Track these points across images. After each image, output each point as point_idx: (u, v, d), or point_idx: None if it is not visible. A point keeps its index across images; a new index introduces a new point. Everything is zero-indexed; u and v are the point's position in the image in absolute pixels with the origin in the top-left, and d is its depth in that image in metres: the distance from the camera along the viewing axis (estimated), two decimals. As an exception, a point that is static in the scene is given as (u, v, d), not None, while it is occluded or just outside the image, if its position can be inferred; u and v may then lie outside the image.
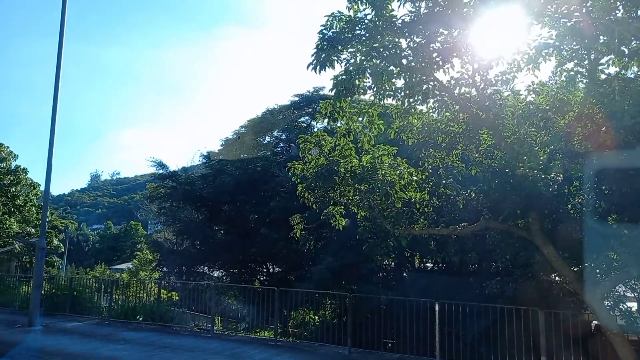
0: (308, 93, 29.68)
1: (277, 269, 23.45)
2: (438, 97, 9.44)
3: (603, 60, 8.02)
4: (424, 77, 8.92)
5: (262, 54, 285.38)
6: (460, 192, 9.49)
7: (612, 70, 8.24)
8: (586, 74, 8.48)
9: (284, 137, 29.02)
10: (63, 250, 39.13)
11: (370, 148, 9.66)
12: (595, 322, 10.07)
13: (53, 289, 17.37)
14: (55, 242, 34.29)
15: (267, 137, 32.14)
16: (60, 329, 13.67)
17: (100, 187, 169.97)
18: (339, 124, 9.91)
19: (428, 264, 18.38)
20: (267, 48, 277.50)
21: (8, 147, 28.97)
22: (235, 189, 22.66)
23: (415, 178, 9.49)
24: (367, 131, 9.58)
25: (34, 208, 29.14)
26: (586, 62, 8.18)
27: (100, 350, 11.05)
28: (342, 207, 10.66)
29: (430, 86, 9.15)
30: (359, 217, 10.79)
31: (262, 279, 23.90)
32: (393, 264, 17.10)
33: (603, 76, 8.22)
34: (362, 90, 8.71)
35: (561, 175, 8.33)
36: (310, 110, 29.04)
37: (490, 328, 10.22)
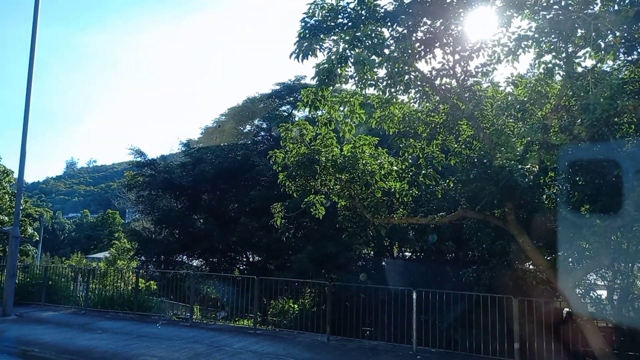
0: (289, 82, 29.45)
1: (257, 257, 23.41)
2: (419, 88, 9.54)
3: (580, 53, 8.19)
4: (406, 67, 8.96)
5: (244, 42, 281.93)
6: (439, 182, 9.61)
7: (589, 63, 8.43)
8: (563, 66, 8.65)
9: (264, 125, 28.81)
10: (38, 238, 38.33)
11: (351, 137, 9.69)
12: (567, 309, 10.36)
13: (27, 278, 17.03)
14: (30, 230, 33.59)
15: (247, 126, 31.82)
16: (35, 319, 13.44)
17: (76, 175, 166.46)
18: (320, 113, 9.91)
19: (407, 253, 18.63)
20: (249, 36, 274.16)
21: (-20, 133, 28.17)
22: (215, 177, 22.49)
23: (395, 168, 9.57)
24: (349, 120, 9.61)
25: (7, 196, 28.43)
26: (564, 54, 8.33)
27: (77, 339, 10.91)
28: (323, 196, 10.70)
29: (412, 76, 9.22)
30: (339, 206, 10.84)
31: (242, 267, 23.85)
32: (372, 253, 17.27)
33: (580, 69, 8.39)
34: (344, 79, 8.73)
35: (537, 166, 8.50)
36: (291, 99, 28.82)
37: (466, 315, 10.45)
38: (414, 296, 10.07)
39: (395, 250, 17.96)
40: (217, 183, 22.65)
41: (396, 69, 8.79)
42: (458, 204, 10.54)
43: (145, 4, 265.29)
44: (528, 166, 8.11)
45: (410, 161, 9.82)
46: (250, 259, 23.75)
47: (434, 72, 9.30)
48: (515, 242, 10.12)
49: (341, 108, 9.80)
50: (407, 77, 9.08)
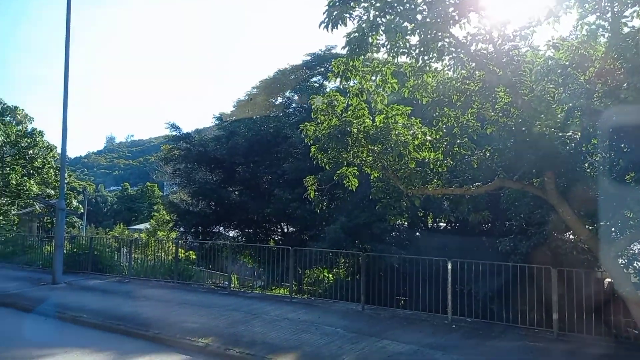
0: (320, 52, 29.03)
1: (292, 228, 23.76)
2: (454, 54, 9.17)
3: (627, 13, 7.70)
4: (439, 34, 8.64)
5: (275, 13, 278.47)
6: (474, 152, 9.37)
7: (637, 23, 7.92)
8: (608, 27, 8.16)
9: (296, 97, 28.70)
10: (82, 211, 40.00)
11: (383, 108, 9.52)
12: (608, 279, 10.10)
13: (74, 249, 17.92)
14: (75, 203, 35.04)
15: (279, 98, 31.78)
16: (82, 287, 14.20)
17: (116, 150, 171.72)
18: (351, 83, 9.75)
19: (441, 224, 18.46)
20: (280, 6, 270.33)
21: (23, 109, 29.22)
22: (249, 150, 22.73)
23: (429, 138, 9.37)
24: (381, 90, 9.41)
25: (52, 170, 29.59)
26: (609, 14, 7.85)
27: (122, 306, 11.48)
28: (356, 167, 10.65)
29: (445, 43, 8.88)
30: (372, 177, 10.78)
31: (276, 238, 24.29)
32: (406, 223, 17.18)
33: (626, 29, 7.89)
34: (375, 48, 8.51)
35: (579, 134, 8.15)
36: (322, 69, 28.49)
37: (503, 286, 10.31)
38: (449, 266, 10.01)
39: (429, 221, 17.82)
40: (250, 155, 22.90)
41: (429, 36, 8.51)
42: (495, 174, 10.27)
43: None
44: (569, 133, 7.78)
45: (444, 131, 9.59)
46: (285, 230, 24.14)
47: (469, 38, 8.94)
48: (555, 211, 9.85)
49: (373, 78, 9.60)
50: (440, 43, 8.76)
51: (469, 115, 9.85)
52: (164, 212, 38.34)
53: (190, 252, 23.88)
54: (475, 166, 9.50)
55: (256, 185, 23.27)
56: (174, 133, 25.29)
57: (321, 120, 9.69)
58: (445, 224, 18.36)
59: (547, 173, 8.21)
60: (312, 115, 9.96)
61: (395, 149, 9.13)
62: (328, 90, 28.24)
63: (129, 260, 16.13)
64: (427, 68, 9.56)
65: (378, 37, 8.35)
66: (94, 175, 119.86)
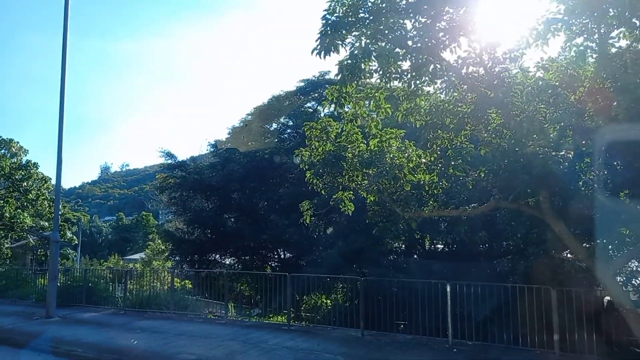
0: (314, 78, 29.42)
1: (288, 254, 23.59)
2: (445, 78, 9.33)
3: (613, 34, 7.85)
4: (431, 58, 8.81)
5: (267, 41, 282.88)
6: (469, 173, 9.42)
7: (623, 43, 8.08)
8: (596, 48, 8.31)
9: (290, 123, 28.90)
10: (77, 242, 39.62)
11: (377, 132, 9.61)
12: (607, 298, 10.03)
13: (68, 281, 17.66)
14: (69, 234, 34.72)
15: (273, 124, 32.01)
16: (77, 320, 13.93)
17: (110, 179, 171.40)
18: (345, 109, 9.86)
19: (439, 246, 18.41)
20: (271, 34, 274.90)
21: (18, 142, 29.21)
22: (244, 177, 22.75)
23: (424, 160, 9.43)
24: (375, 115, 9.51)
25: (46, 202, 29.40)
26: (596, 36, 8.01)
27: (118, 339, 11.25)
28: (351, 192, 10.66)
29: (437, 67, 9.04)
30: (368, 201, 10.78)
31: (273, 264, 24.08)
32: (403, 246, 17.13)
33: (614, 50, 8.05)
34: (368, 74, 8.64)
35: (572, 152, 8.23)
36: (316, 95, 28.83)
37: (502, 307, 10.22)
38: (448, 289, 9.93)
39: (427, 244, 17.76)
40: (246, 182, 22.91)
41: (420, 60, 8.66)
42: (490, 195, 10.31)
43: (173, 12, 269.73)
44: (562, 152, 7.85)
45: (438, 153, 9.65)
46: (282, 256, 23.95)
47: (459, 61, 9.10)
48: (552, 230, 9.84)
49: (366, 103, 9.72)
50: (432, 67, 8.91)
51: (462, 137, 9.95)
52: (159, 241, 38.05)
53: (186, 280, 23.61)
54: (471, 187, 9.53)
55: (252, 212, 23.18)
56: (169, 161, 25.33)
57: (315, 146, 9.74)
58: (442, 246, 18.31)
59: (542, 192, 8.24)
60: (306, 141, 10.03)
61: (390, 172, 9.16)
62: (322, 115, 28.54)
63: (124, 292, 15.88)
64: (420, 92, 9.69)
65: (370, 64, 8.49)
66: (88, 206, 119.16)
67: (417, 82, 9.03)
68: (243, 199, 23.60)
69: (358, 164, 9.20)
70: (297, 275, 12.94)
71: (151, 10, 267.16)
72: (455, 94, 9.88)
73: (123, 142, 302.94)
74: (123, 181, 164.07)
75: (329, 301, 15.46)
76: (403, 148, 9.39)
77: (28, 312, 15.08)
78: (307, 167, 10.26)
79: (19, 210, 27.27)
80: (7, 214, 26.36)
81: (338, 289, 15.36)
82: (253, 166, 22.93)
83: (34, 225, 28.21)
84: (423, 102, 9.90)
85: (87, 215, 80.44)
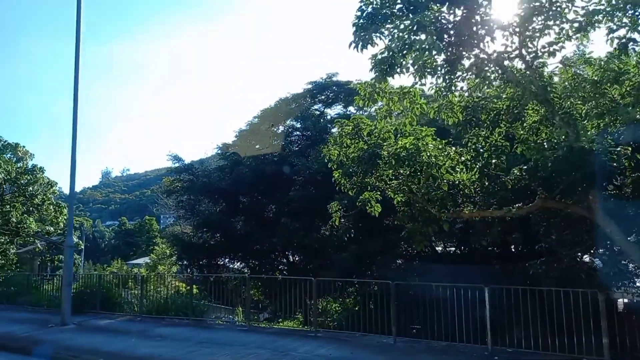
0: (321, 80, 29.05)
1: (298, 258, 23.19)
2: (482, 72, 9.01)
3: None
4: (464, 53, 8.50)
5: (272, 44, 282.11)
6: (511, 172, 9.05)
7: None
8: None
9: (298, 125, 28.57)
10: (82, 247, 39.20)
11: (411, 130, 9.26)
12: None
13: (81, 287, 17.24)
14: (75, 239, 34.29)
15: (280, 127, 31.71)
16: (94, 327, 13.52)
17: (111, 184, 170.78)
18: (378, 105, 9.53)
19: (450, 249, 18.09)
20: (277, 37, 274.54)
21: (24, 146, 28.77)
22: (253, 180, 22.36)
23: (463, 159, 9.07)
24: (409, 112, 9.16)
25: (51, 207, 28.97)
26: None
27: (139, 347, 10.83)
28: (379, 192, 10.31)
29: (472, 60, 8.73)
30: (396, 202, 10.42)
31: (282, 268, 23.67)
32: (427, 250, 16.72)
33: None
34: (405, 69, 8.28)
35: (629, 148, 7.85)
36: (323, 97, 28.54)
37: (540, 312, 9.76)
38: (487, 293, 9.51)
39: (453, 247, 17.42)
40: (255, 185, 22.53)
41: (456, 55, 8.35)
42: (526, 194, 9.96)
43: (175, 12, 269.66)
44: (618, 148, 7.49)
45: (478, 150, 9.30)
46: (292, 260, 23.54)
47: (495, 55, 8.77)
48: (591, 232, 9.50)
49: (398, 99, 9.37)
50: (469, 62, 8.61)
51: (497, 135, 9.62)
52: (164, 245, 37.59)
53: (194, 285, 23.17)
54: (510, 187, 9.16)
55: (261, 215, 22.81)
56: (177, 164, 24.96)
57: (347, 143, 9.39)
58: (454, 249, 17.96)
59: (592, 191, 7.88)
60: (336, 139, 9.69)
61: (426, 171, 8.82)
62: (329, 117, 28.35)
63: (142, 298, 15.44)
64: (453, 87, 9.35)
65: (407, 58, 8.15)
66: (90, 211, 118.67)
67: (452, 77, 8.71)
68: (252, 202, 23.25)
69: (394, 162, 8.82)
70: (322, 279, 12.51)
71: (154, 14, 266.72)
72: (490, 90, 9.58)
73: (124, 146, 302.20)
74: (124, 186, 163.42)
75: (357, 307, 14.95)
76: (441, 146, 9.02)
77: (41, 319, 14.64)
78: (335, 166, 9.92)
79: (25, 215, 26.83)
80: (14, 219, 25.93)
81: (365, 293, 14.87)
82: (261, 169, 22.56)
83: (39, 230, 27.78)
84: (456, 99, 9.57)
85: (89, 220, 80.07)
